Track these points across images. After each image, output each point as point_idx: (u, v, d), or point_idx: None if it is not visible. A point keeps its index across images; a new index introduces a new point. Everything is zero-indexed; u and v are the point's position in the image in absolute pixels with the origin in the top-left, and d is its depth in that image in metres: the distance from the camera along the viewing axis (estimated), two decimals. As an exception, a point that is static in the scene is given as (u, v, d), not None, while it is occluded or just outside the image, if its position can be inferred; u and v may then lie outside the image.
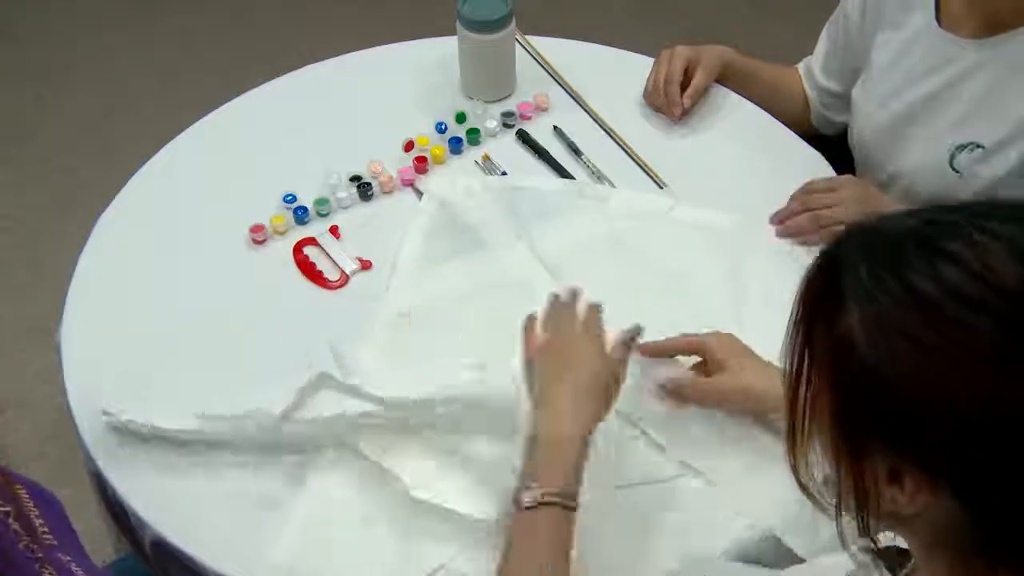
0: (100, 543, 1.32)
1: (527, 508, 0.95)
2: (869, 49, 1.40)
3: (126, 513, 1.11)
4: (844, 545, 0.73)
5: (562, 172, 1.45)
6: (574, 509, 0.96)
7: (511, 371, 1.09)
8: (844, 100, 1.49)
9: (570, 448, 0.98)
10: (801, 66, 1.57)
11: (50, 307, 1.26)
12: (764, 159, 1.44)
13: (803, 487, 0.73)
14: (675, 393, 1.12)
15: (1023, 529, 0.64)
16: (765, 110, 1.51)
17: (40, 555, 0.83)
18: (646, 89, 1.51)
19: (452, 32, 1.50)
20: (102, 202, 1.41)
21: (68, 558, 0.86)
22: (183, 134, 1.51)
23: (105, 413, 1.10)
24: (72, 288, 1.29)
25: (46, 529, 0.86)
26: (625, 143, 1.48)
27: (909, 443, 0.65)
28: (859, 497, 0.68)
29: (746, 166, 1.44)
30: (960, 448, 0.63)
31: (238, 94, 1.57)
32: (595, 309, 1.11)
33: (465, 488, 1.07)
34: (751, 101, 1.53)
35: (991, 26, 1.24)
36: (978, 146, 1.27)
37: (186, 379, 1.19)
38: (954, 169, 1.29)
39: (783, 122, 1.49)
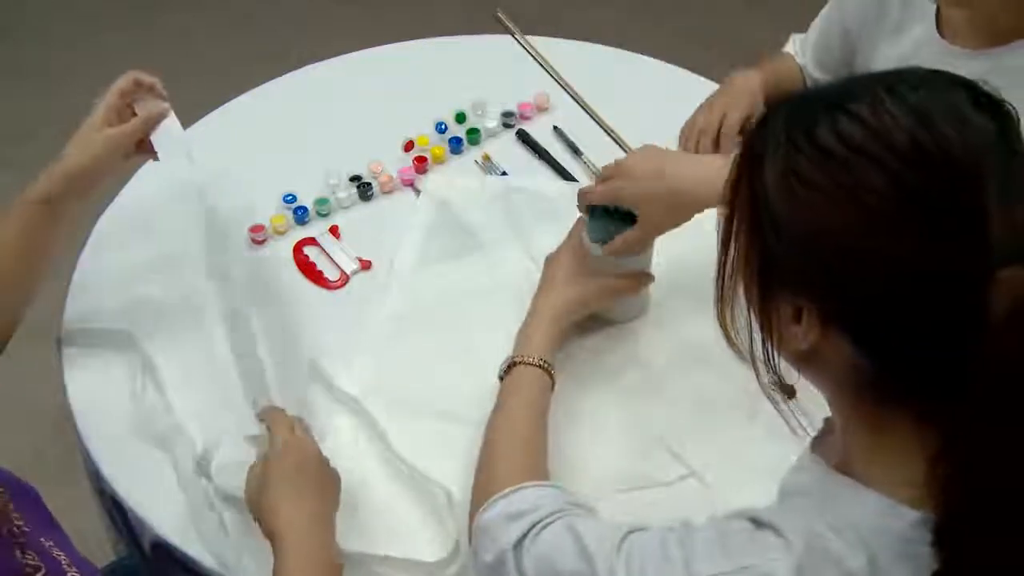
0: (100, 543, 1.32)
1: (502, 376, 1.09)
2: (869, 59, 1.40)
3: (126, 513, 1.11)
4: (762, 387, 0.79)
5: (562, 172, 1.45)
6: (547, 371, 1.09)
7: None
8: None
9: (538, 331, 1.12)
10: (796, 52, 1.56)
11: (50, 307, 1.26)
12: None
13: (728, 337, 0.80)
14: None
15: (909, 367, 0.70)
16: None
17: (21, 540, 0.83)
18: (688, 127, 1.48)
19: (452, 32, 1.50)
20: (102, 202, 1.41)
21: (50, 543, 0.85)
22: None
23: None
24: (72, 288, 1.29)
25: (21, 521, 0.86)
26: (625, 143, 1.49)
27: (804, 283, 0.72)
28: (768, 336, 0.76)
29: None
30: (847, 289, 0.70)
31: (238, 94, 1.57)
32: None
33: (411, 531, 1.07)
34: None
35: (991, 37, 1.24)
36: None
37: (186, 379, 1.19)
38: None
39: None
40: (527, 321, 1.15)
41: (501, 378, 1.11)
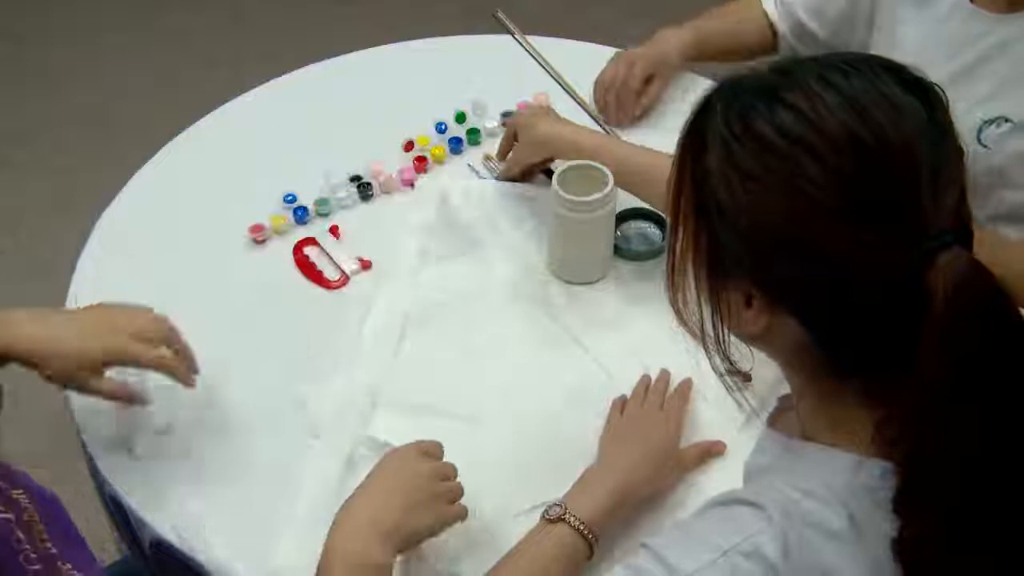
0: (100, 543, 1.32)
1: (547, 520, 0.97)
2: (890, 19, 1.39)
3: (126, 513, 1.11)
4: (714, 368, 0.81)
5: (562, 172, 1.44)
6: (590, 544, 0.97)
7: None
8: (819, 44, 1.50)
9: (609, 496, 1.00)
10: (773, 11, 1.56)
11: (50, 307, 1.26)
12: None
13: (680, 317, 0.81)
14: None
15: (854, 346, 0.72)
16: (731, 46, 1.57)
17: (37, 567, 0.82)
18: (598, 81, 1.53)
19: (452, 32, 1.50)
20: (102, 202, 1.41)
21: (68, 566, 0.84)
22: (183, 134, 1.51)
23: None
24: (72, 288, 1.29)
25: (45, 536, 0.85)
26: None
27: (751, 270, 0.73)
28: (720, 320, 0.78)
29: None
30: (790, 276, 0.72)
31: (238, 94, 1.57)
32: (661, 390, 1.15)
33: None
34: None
35: (1014, 2, 1.25)
36: (1007, 120, 1.27)
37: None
38: (981, 143, 1.29)
39: (749, 53, 1.55)
40: (597, 470, 1.04)
41: (541, 517, 0.99)
